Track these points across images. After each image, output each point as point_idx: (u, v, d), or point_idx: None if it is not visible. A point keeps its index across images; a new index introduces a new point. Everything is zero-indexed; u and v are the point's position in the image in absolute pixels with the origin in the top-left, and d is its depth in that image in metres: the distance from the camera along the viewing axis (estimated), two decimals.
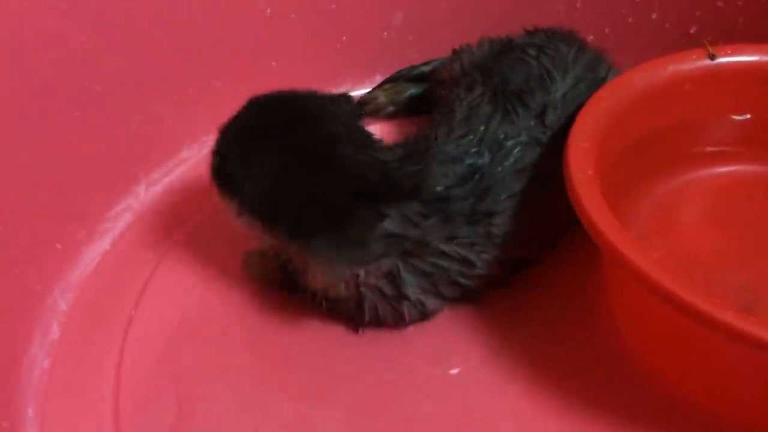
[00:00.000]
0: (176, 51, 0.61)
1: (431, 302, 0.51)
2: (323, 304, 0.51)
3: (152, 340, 0.53)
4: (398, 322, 0.51)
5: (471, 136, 0.50)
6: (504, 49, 0.57)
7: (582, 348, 0.50)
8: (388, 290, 0.49)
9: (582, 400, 0.48)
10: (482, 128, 0.50)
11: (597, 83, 0.53)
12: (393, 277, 0.48)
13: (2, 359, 0.48)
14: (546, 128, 0.51)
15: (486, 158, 0.49)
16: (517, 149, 0.50)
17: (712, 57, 0.53)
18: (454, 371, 0.50)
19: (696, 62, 0.53)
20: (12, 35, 0.52)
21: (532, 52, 0.54)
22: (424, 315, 0.51)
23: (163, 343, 0.53)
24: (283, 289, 0.54)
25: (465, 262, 0.49)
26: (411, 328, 0.52)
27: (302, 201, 0.46)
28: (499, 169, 0.49)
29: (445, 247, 0.48)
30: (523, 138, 0.50)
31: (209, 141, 0.64)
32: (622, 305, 0.51)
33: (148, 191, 0.62)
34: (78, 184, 0.57)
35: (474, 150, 0.50)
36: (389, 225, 0.47)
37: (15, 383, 0.48)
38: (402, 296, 0.49)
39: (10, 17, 0.52)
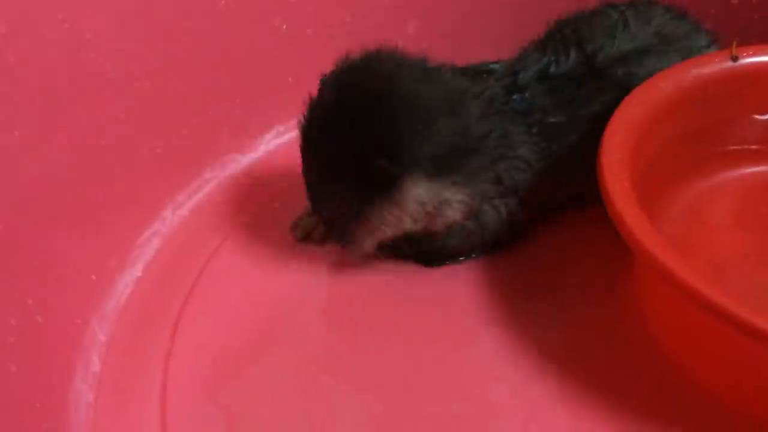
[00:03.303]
0: (195, 73, 0.61)
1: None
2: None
3: (194, 366, 0.53)
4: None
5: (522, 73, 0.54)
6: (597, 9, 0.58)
7: (603, 333, 0.52)
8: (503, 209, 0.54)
9: (602, 384, 0.49)
10: (534, 67, 0.54)
11: (692, 51, 0.55)
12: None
13: (50, 398, 0.48)
14: (596, 70, 0.53)
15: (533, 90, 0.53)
16: (564, 86, 0.53)
17: (735, 58, 0.53)
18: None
19: (719, 64, 0.53)
20: (39, 69, 0.52)
21: (622, 7, 0.56)
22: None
23: (206, 369, 0.53)
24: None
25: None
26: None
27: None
28: (547, 101, 0.53)
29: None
30: (569, 73, 0.53)
31: (230, 161, 0.66)
32: (650, 302, 0.52)
33: (175, 215, 0.62)
34: (108, 214, 0.57)
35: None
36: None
37: (64, 421, 0.48)
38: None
39: (33, 49, 0.51)
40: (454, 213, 0.53)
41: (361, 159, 0.49)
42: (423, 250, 0.56)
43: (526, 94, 0.53)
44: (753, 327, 0.40)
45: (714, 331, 0.45)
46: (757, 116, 0.55)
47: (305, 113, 0.52)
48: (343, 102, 0.50)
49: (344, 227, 0.53)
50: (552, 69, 0.54)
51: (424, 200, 0.51)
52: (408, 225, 0.53)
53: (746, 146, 0.56)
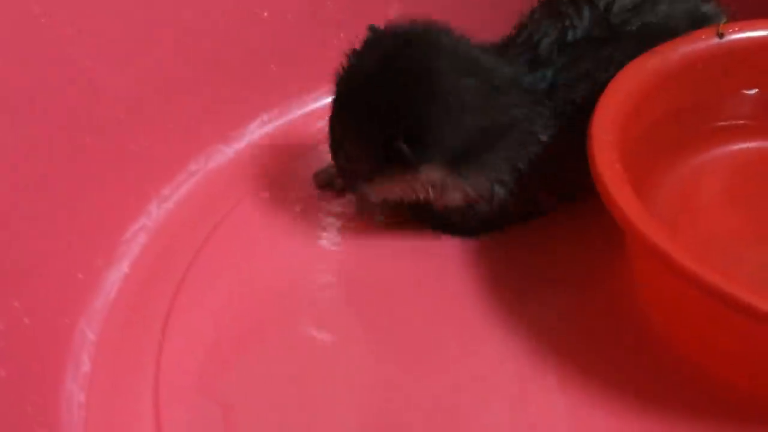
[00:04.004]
0: (177, 63, 0.60)
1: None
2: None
3: (187, 361, 0.52)
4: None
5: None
6: None
7: (597, 312, 0.52)
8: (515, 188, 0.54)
9: (596, 364, 0.49)
10: (552, 35, 0.53)
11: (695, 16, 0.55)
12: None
13: (41, 401, 0.48)
14: (612, 27, 0.53)
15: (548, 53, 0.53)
16: (584, 52, 0.53)
17: (721, 35, 0.53)
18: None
19: (706, 41, 0.53)
20: (15, 65, 0.50)
21: None
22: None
23: (199, 363, 0.52)
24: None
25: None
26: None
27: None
28: (572, 74, 0.53)
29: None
30: (587, 36, 0.53)
31: (215, 152, 0.65)
32: (643, 282, 0.52)
33: (161, 208, 0.61)
34: (92, 211, 0.56)
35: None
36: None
37: (56, 423, 0.48)
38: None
39: (8, 45, 0.50)
40: (463, 196, 0.54)
41: (385, 135, 0.50)
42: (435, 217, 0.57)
43: (549, 72, 0.53)
44: (745, 305, 0.40)
45: (706, 310, 0.45)
46: (746, 92, 0.55)
47: (345, 66, 0.53)
48: (382, 75, 0.51)
49: (355, 181, 0.55)
50: (569, 36, 0.53)
51: (436, 183, 0.53)
52: (415, 197, 0.54)
53: (734, 122, 0.56)
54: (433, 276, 0.56)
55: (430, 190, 0.53)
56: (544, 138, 0.53)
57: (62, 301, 0.53)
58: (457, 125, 0.50)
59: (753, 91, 0.55)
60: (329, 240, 0.59)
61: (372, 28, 0.53)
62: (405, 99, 0.50)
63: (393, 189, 0.54)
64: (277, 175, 0.63)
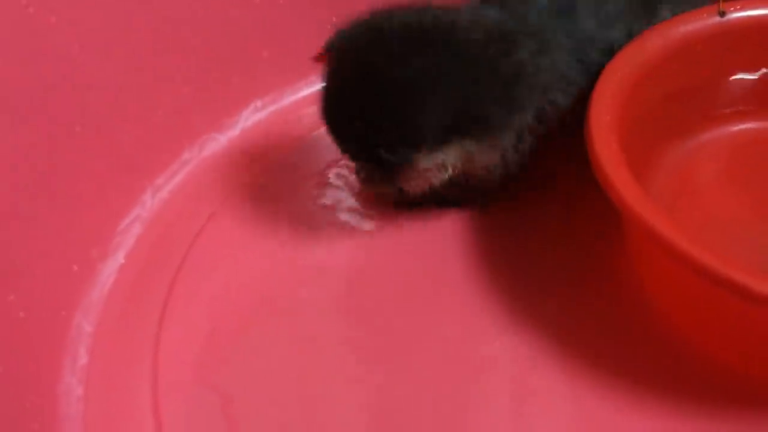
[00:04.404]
0: (167, 51, 0.59)
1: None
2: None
3: (185, 351, 0.52)
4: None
5: None
6: None
7: (597, 296, 0.52)
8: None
9: (597, 347, 0.49)
10: None
11: None
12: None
13: (39, 396, 0.47)
14: None
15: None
16: None
17: (722, 14, 0.52)
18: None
19: (707, 20, 0.52)
20: (2, 56, 0.49)
21: None
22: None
23: (198, 353, 0.51)
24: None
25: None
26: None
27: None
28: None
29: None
30: None
31: (208, 140, 0.64)
32: (643, 264, 0.52)
33: (155, 198, 0.60)
34: (86, 202, 0.55)
35: None
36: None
37: (55, 417, 0.47)
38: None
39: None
40: (471, 164, 0.52)
41: (366, 147, 0.50)
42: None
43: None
44: (741, 286, 0.39)
45: (702, 291, 0.45)
46: (747, 72, 0.55)
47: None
48: (342, 89, 0.50)
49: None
50: None
51: (439, 164, 0.51)
52: (432, 183, 0.53)
53: (737, 105, 0.56)
54: (432, 268, 0.55)
55: (440, 171, 0.52)
56: (554, 97, 0.52)
57: (58, 293, 0.52)
58: (425, 110, 0.48)
59: (754, 73, 0.54)
60: (326, 227, 0.58)
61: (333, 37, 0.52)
62: (366, 107, 0.48)
63: (406, 189, 0.53)
64: (271, 162, 0.63)
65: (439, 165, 0.51)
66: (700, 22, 0.52)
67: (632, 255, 0.52)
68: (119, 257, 0.57)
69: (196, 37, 0.60)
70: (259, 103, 0.66)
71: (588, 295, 0.52)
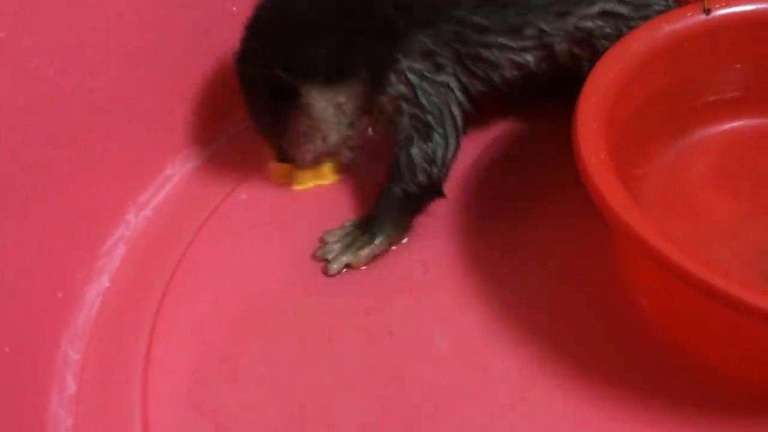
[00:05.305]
0: (145, 66, 0.58)
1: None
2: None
3: (175, 374, 0.51)
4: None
5: None
6: None
7: (588, 303, 0.51)
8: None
9: (587, 352, 0.49)
10: None
11: None
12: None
13: (28, 429, 0.46)
14: None
15: None
16: None
17: (708, 11, 0.51)
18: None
19: (691, 19, 0.51)
20: None
21: None
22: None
23: (188, 375, 0.51)
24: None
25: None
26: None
27: None
28: None
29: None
30: None
31: (191, 154, 0.63)
32: (633, 272, 0.51)
33: (139, 216, 0.59)
34: (68, 225, 0.54)
35: None
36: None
37: None
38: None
39: None
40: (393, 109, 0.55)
41: (264, 73, 0.52)
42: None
43: None
44: (741, 302, 0.38)
45: (693, 300, 0.44)
46: (733, 69, 0.54)
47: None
48: (252, 25, 0.54)
49: (277, 145, 0.57)
50: None
51: (335, 104, 0.54)
52: (332, 133, 0.56)
53: (724, 102, 0.55)
54: (425, 274, 0.55)
55: (339, 118, 0.54)
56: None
57: (43, 322, 0.51)
58: (319, 44, 0.52)
59: (740, 69, 0.54)
60: (314, 239, 0.57)
61: None
62: (269, 34, 0.53)
63: (308, 137, 0.55)
64: (255, 174, 0.62)
65: (337, 106, 0.54)
66: (685, 21, 0.51)
67: (623, 264, 0.52)
68: (104, 280, 0.56)
69: (175, 51, 0.59)
70: (240, 114, 0.64)
71: (580, 305, 0.51)
